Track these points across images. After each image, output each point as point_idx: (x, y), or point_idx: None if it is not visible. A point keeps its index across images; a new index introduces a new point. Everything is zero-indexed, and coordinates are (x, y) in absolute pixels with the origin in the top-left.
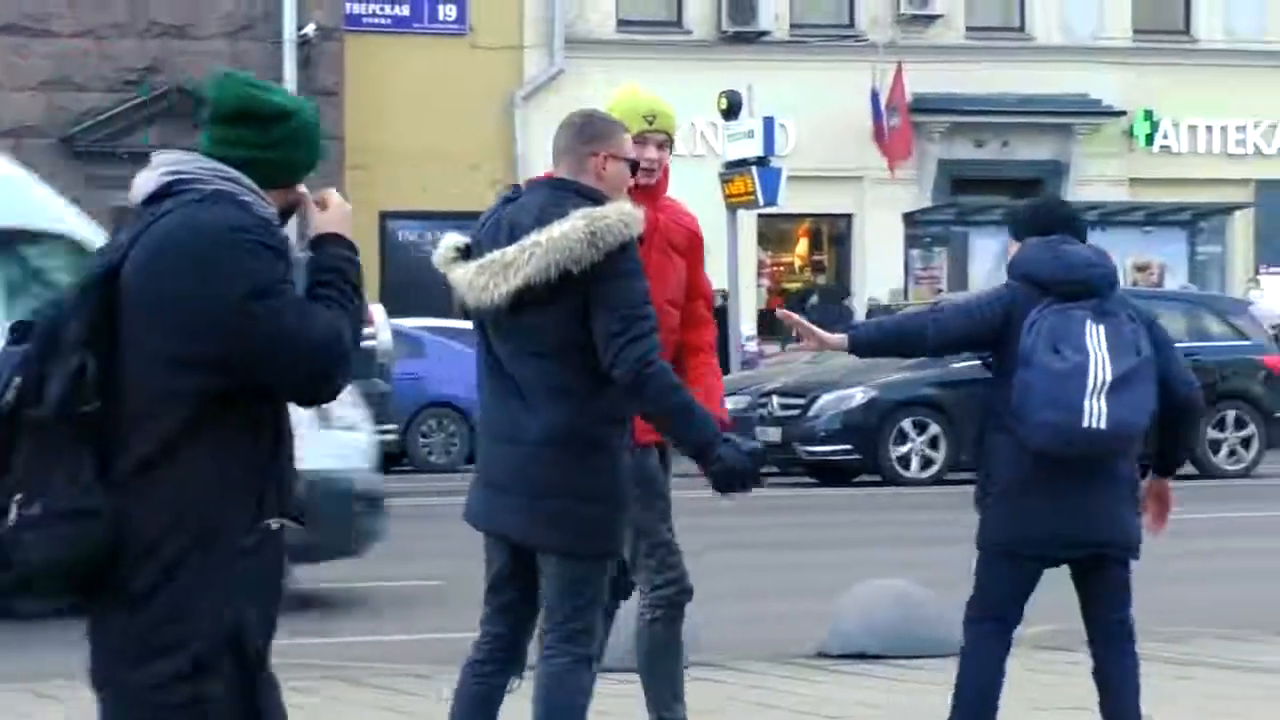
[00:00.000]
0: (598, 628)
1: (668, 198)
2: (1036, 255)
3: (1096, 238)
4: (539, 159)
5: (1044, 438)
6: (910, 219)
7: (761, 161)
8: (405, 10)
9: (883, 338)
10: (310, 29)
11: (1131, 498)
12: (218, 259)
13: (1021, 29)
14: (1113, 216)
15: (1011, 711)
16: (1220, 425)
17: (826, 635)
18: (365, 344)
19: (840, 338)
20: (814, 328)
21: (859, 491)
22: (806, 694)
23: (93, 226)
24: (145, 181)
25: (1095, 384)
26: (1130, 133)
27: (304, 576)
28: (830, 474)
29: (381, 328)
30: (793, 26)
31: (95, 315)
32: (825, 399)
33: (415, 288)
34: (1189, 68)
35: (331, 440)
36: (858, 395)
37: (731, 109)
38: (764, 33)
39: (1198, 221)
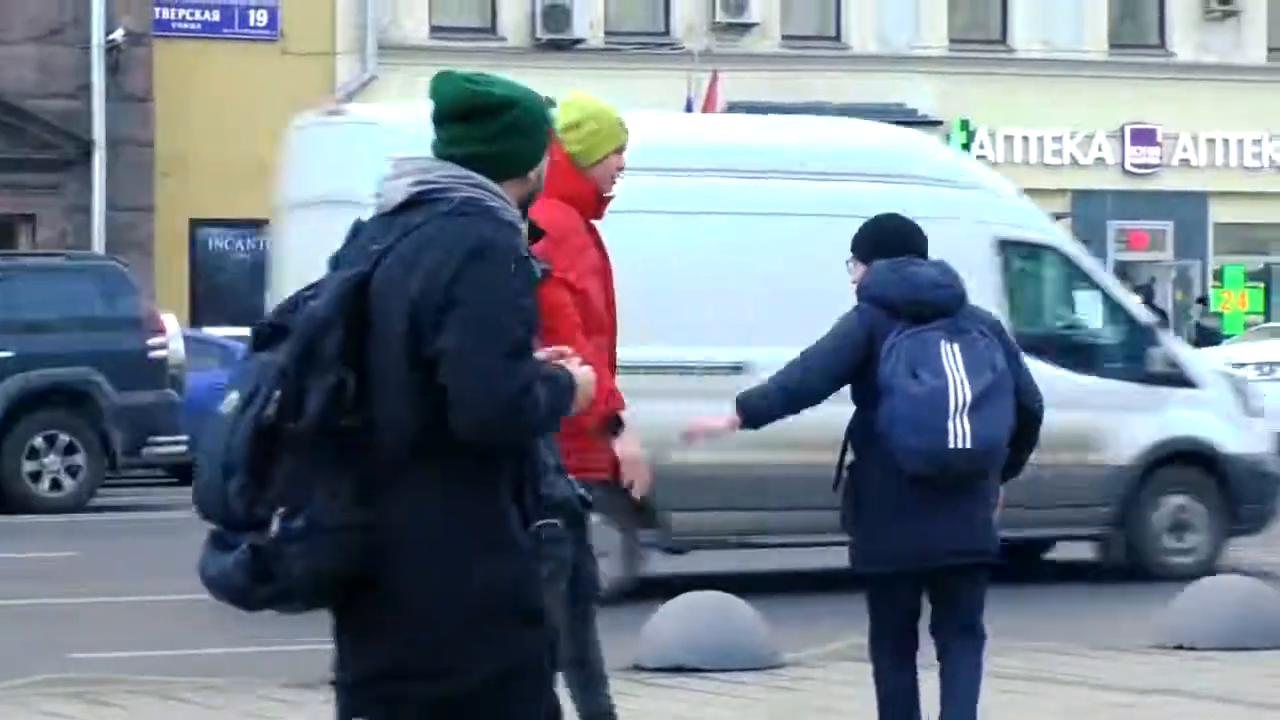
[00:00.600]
0: None
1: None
2: (885, 278)
3: None
4: None
5: (916, 463)
6: None
7: None
8: (215, 16)
9: (772, 405)
10: (119, 34)
11: (993, 507)
12: (476, 272)
13: (838, 38)
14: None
15: None
16: None
17: (642, 648)
18: (155, 354)
19: (730, 419)
20: (702, 421)
21: None
22: (622, 708)
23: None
24: (394, 191)
25: (956, 405)
26: (946, 142)
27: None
28: None
29: (173, 337)
30: (608, 34)
31: (351, 326)
32: None
33: (226, 296)
34: (1006, 78)
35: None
36: None
37: None
38: (578, 40)
39: None
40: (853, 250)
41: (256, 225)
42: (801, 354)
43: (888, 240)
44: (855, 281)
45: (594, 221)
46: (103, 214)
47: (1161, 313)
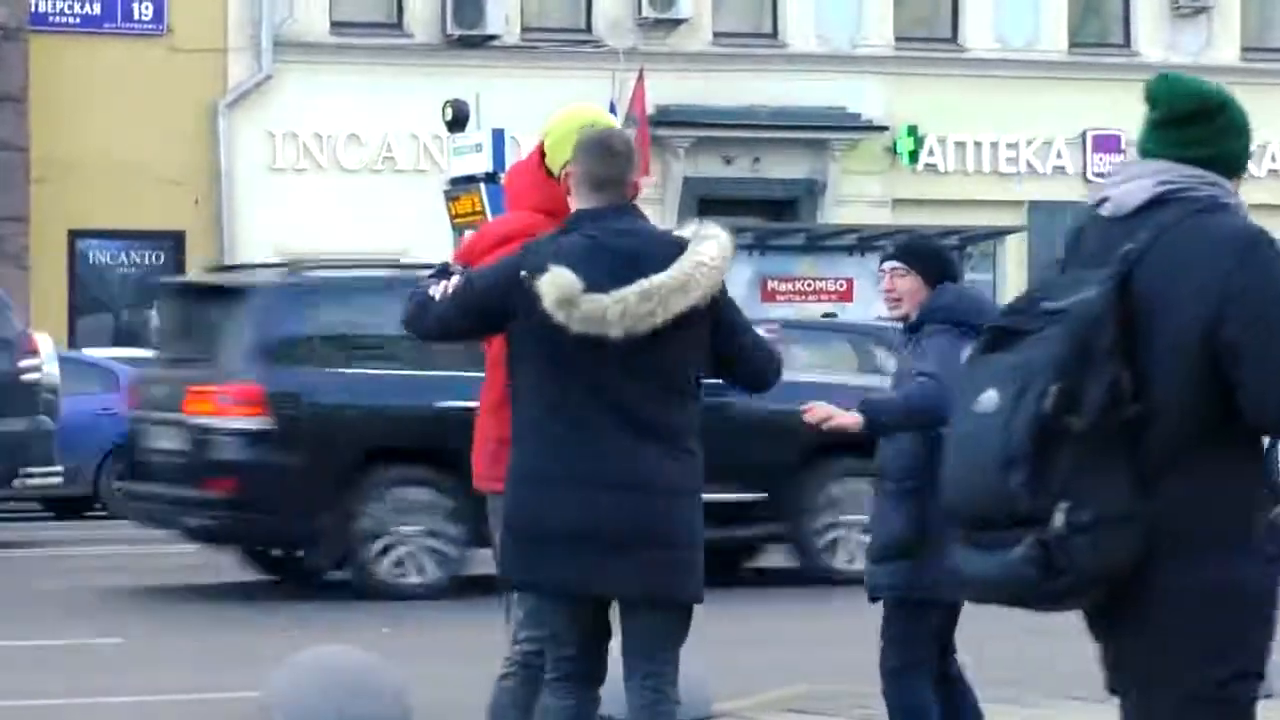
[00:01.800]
0: None
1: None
2: (974, 303)
3: (854, 264)
4: (245, 173)
5: None
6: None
7: (491, 178)
8: (97, 8)
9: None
10: None
11: None
12: (1256, 264)
13: (774, 35)
14: (873, 241)
15: None
16: None
17: None
18: (27, 376)
19: (855, 418)
20: (830, 410)
21: None
22: None
23: None
24: (1129, 194)
25: None
26: (893, 149)
27: None
28: None
29: (48, 358)
30: (524, 30)
31: (1120, 322)
32: None
33: (108, 315)
34: (956, 79)
35: None
36: None
37: (457, 120)
38: (492, 36)
39: (966, 246)
40: (918, 268)
41: (142, 237)
42: (929, 375)
43: (956, 267)
44: (903, 295)
45: None
46: None
47: None
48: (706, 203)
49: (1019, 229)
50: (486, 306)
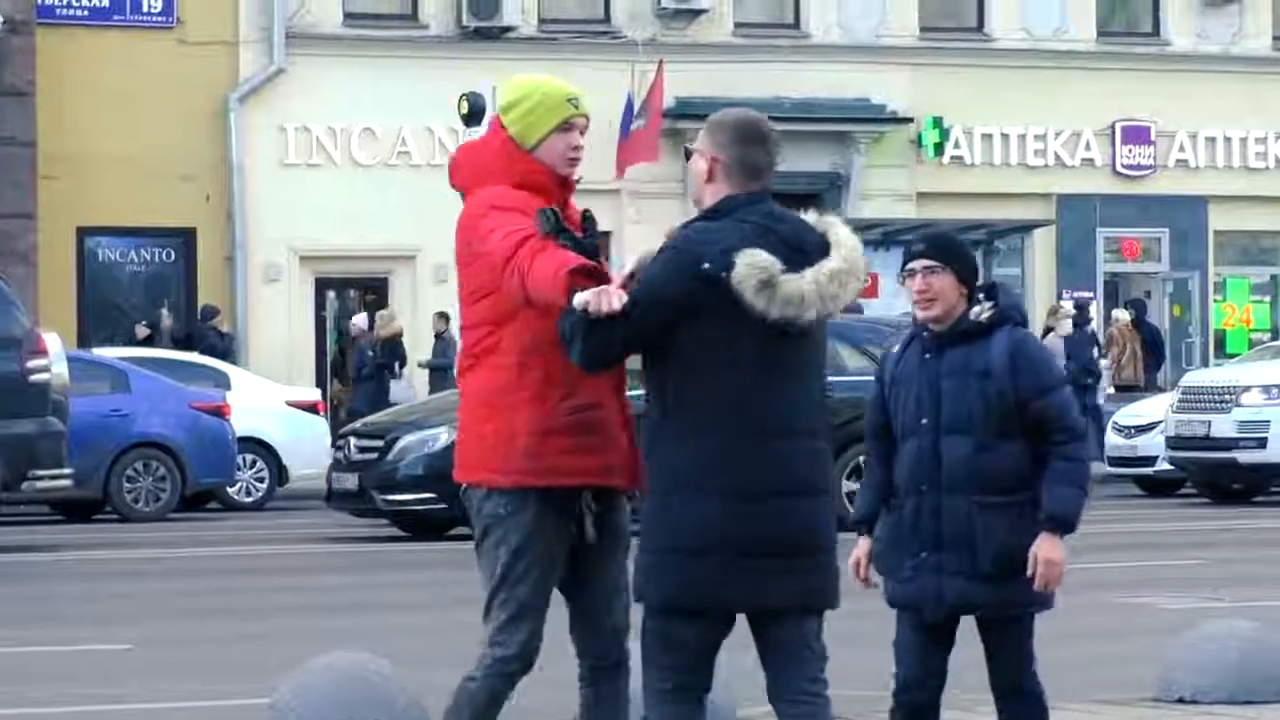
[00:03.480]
0: None
1: None
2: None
3: (880, 258)
4: (257, 168)
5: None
6: None
7: None
8: (105, 1)
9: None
10: None
11: None
12: None
13: (796, 26)
14: (898, 235)
15: None
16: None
17: None
18: (35, 377)
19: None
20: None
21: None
22: None
23: None
24: None
25: None
26: (918, 142)
27: None
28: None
29: (56, 358)
30: (541, 21)
31: None
32: (407, 440)
33: (118, 313)
34: (982, 70)
35: None
36: (443, 436)
37: (473, 113)
38: (509, 28)
39: (993, 241)
40: (949, 262)
41: (152, 234)
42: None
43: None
44: (937, 295)
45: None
46: None
47: (1154, 330)
48: None
49: (1047, 222)
50: (664, 320)
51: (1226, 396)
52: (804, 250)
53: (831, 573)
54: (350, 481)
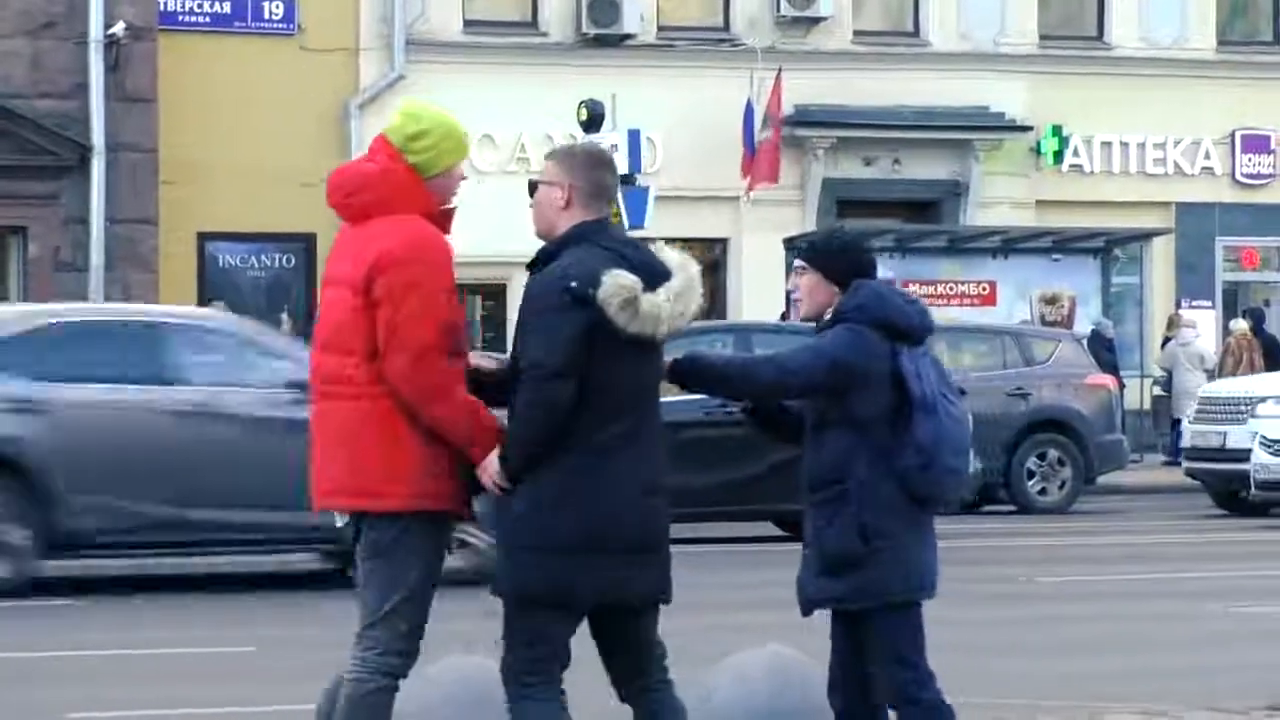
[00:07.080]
0: None
1: None
2: (895, 302)
3: (998, 266)
4: None
5: (949, 484)
6: (791, 244)
7: (627, 179)
8: (227, 7)
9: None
10: (119, 27)
11: None
12: None
13: (916, 34)
14: (1017, 243)
15: None
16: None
17: None
18: None
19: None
20: None
21: None
22: None
23: None
24: None
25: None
26: (1037, 150)
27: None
28: None
29: None
30: (661, 29)
31: None
32: None
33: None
34: (1102, 78)
35: None
36: None
37: (592, 120)
38: (629, 35)
39: (1112, 249)
40: (815, 265)
41: (272, 239)
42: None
43: (865, 262)
44: (803, 294)
45: None
46: (101, 227)
47: (1272, 339)
48: (845, 204)
49: (1166, 231)
50: (583, 357)
51: (1242, 408)
52: (653, 271)
53: (669, 567)
54: None
